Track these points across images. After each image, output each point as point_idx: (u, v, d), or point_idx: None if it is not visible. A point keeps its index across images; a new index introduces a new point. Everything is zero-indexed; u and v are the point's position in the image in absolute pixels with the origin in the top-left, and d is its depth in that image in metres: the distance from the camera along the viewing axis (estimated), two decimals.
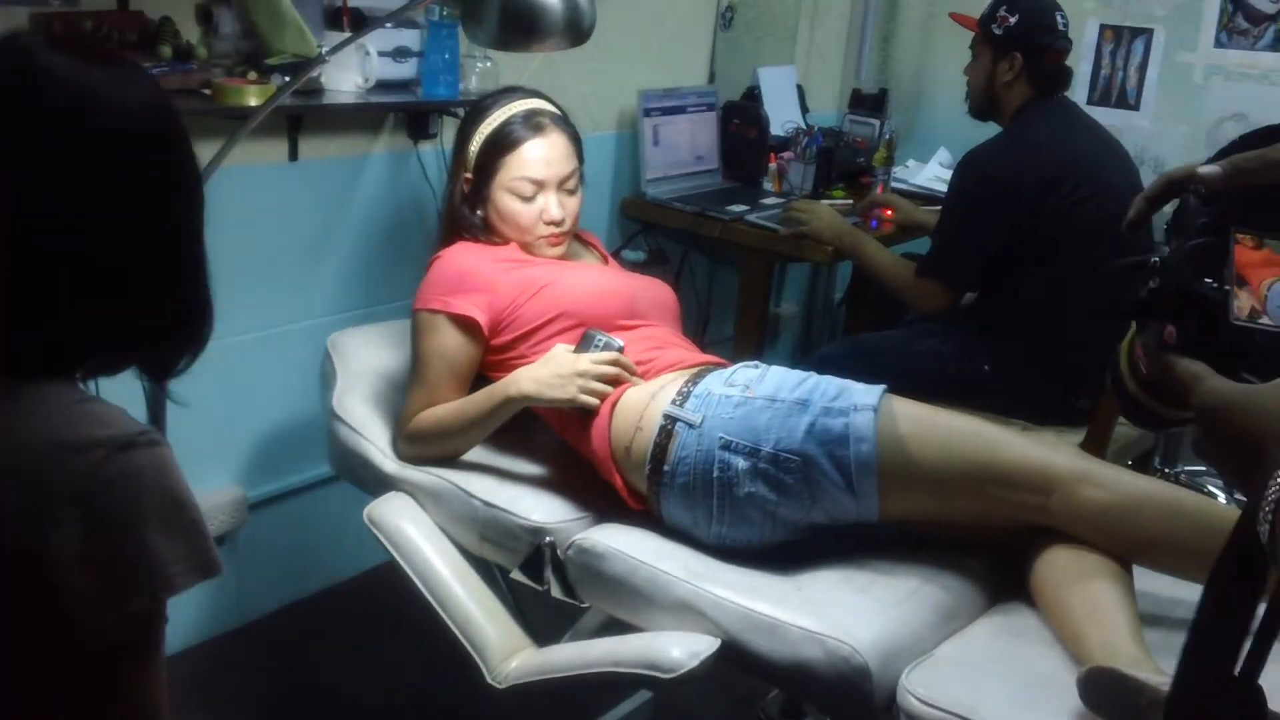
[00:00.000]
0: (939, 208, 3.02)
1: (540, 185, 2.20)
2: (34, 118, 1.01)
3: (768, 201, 3.40)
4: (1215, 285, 0.81)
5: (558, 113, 2.28)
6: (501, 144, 2.20)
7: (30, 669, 1.03)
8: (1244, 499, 0.77)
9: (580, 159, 2.28)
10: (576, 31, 1.88)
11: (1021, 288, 2.76)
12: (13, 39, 1.05)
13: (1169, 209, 0.93)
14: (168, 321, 1.10)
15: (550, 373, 2.00)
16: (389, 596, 2.11)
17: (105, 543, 0.99)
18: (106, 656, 1.03)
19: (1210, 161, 0.85)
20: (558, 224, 2.22)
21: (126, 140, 1.04)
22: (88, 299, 1.04)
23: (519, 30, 1.86)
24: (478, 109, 2.28)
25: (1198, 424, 0.79)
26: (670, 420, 1.93)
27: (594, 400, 1.98)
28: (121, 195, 1.05)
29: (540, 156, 2.20)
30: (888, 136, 3.80)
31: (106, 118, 1.03)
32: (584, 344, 2.06)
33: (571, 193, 2.25)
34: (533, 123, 2.21)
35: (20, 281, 1.02)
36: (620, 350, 2.04)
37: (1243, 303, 0.80)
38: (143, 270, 1.08)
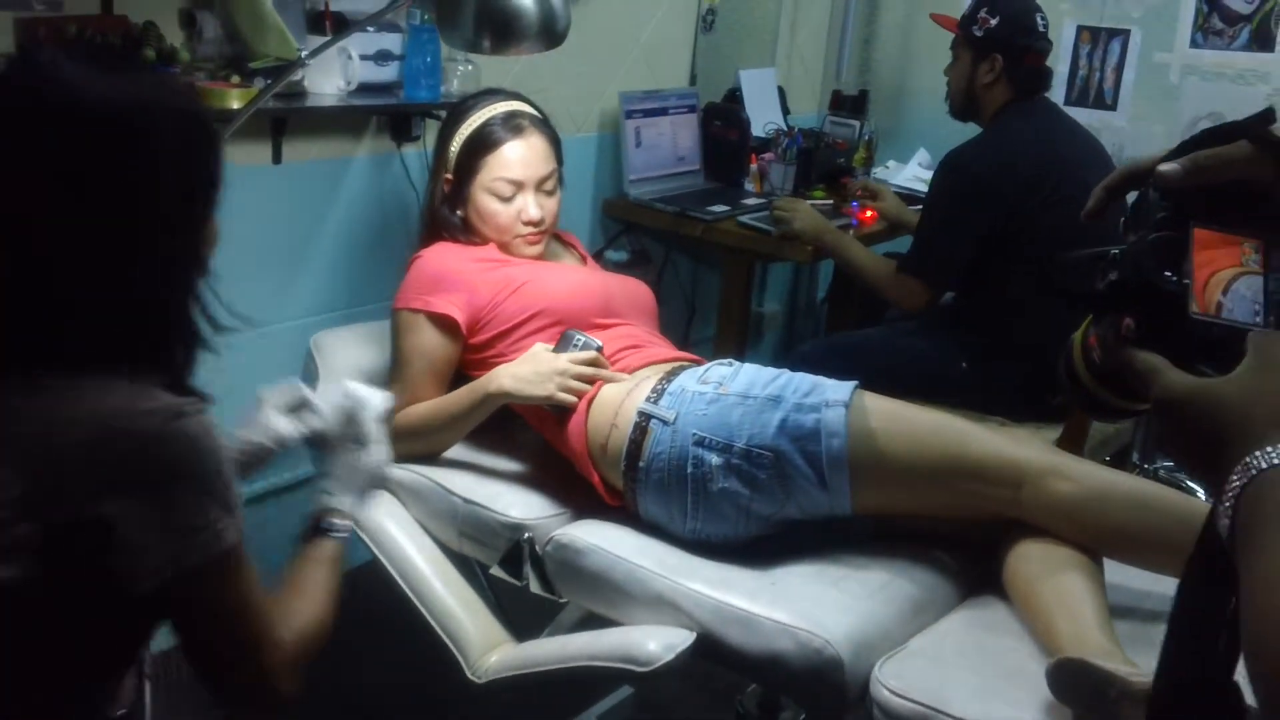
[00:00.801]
0: (920, 207, 3.04)
1: (519, 186, 2.23)
2: (56, 128, 1.08)
3: (749, 202, 3.42)
4: (1175, 279, 0.81)
5: (537, 114, 2.30)
6: (481, 145, 2.22)
7: (99, 628, 1.13)
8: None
9: (559, 160, 2.30)
10: (551, 35, 1.90)
11: (1000, 287, 2.78)
12: (35, 50, 1.11)
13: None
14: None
15: (530, 371, 2.03)
16: (370, 593, 2.12)
17: (166, 505, 1.09)
18: (174, 608, 1.14)
19: (1170, 156, 0.85)
20: (536, 224, 2.24)
21: (150, 150, 1.12)
22: (142, 293, 1.14)
23: (494, 34, 1.88)
24: (458, 111, 2.30)
25: (1157, 417, 0.79)
26: (645, 417, 1.95)
27: (572, 398, 2.00)
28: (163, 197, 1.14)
29: (519, 157, 2.22)
30: (867, 137, 3.83)
31: (133, 129, 1.10)
32: (563, 343, 2.08)
33: (550, 194, 2.27)
34: (512, 124, 2.24)
35: (72, 278, 1.10)
36: (599, 350, 2.07)
37: (1197, 298, 0.81)
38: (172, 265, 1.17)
